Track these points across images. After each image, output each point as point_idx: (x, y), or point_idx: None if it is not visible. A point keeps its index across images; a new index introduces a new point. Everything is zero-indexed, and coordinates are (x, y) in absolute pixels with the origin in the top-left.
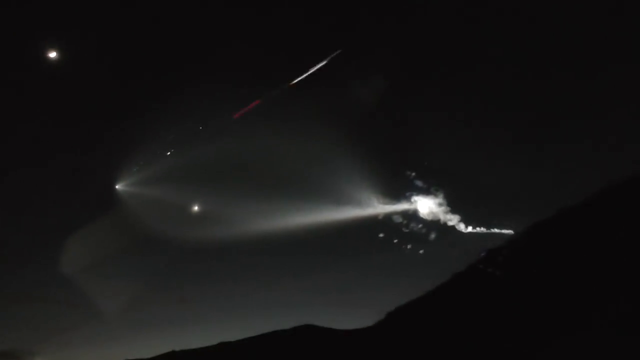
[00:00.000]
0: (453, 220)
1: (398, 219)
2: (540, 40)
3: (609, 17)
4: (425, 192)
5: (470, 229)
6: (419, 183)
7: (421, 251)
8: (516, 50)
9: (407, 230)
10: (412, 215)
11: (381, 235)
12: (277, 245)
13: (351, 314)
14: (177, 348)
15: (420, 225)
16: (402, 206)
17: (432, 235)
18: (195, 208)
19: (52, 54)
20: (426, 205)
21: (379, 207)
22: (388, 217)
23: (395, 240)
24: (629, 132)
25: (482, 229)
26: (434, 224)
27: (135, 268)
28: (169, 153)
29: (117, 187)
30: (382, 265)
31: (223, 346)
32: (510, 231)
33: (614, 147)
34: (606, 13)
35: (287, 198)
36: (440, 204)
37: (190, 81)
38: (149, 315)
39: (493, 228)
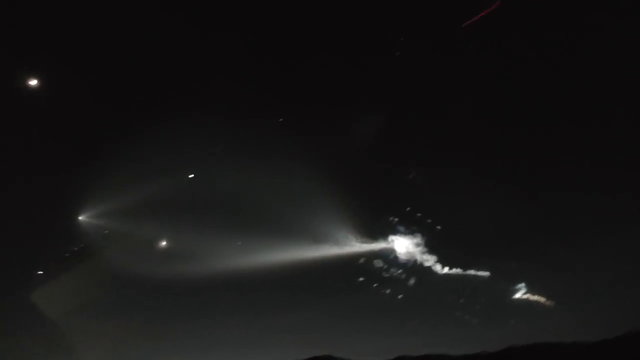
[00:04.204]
0: (430, 260)
1: (378, 264)
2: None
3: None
4: (403, 232)
5: (446, 269)
6: (397, 222)
7: (400, 296)
8: (496, 96)
9: (387, 275)
10: (391, 257)
11: (361, 279)
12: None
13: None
14: None
15: (400, 271)
16: (380, 245)
17: (412, 281)
18: (167, 243)
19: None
20: (403, 245)
21: (356, 246)
22: (368, 260)
23: (375, 285)
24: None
25: (459, 270)
26: (413, 268)
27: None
28: (140, 184)
29: (80, 218)
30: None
31: None
32: (487, 273)
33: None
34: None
35: (266, 235)
36: (417, 244)
37: (165, 111)
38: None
39: (469, 270)
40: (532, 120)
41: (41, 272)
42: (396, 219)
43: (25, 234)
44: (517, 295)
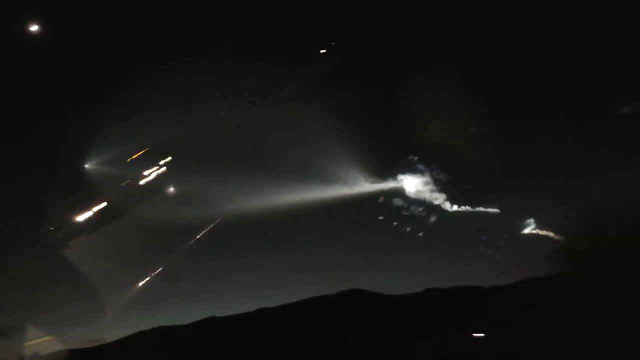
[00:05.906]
0: (439, 199)
1: (398, 202)
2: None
3: None
4: (412, 171)
5: (456, 207)
6: (406, 162)
7: (421, 234)
8: (507, 35)
9: (407, 214)
10: (405, 196)
11: (381, 218)
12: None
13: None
14: (217, 314)
15: (421, 209)
16: (390, 185)
17: (433, 219)
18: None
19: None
20: (412, 185)
21: (367, 186)
22: (386, 199)
23: (395, 224)
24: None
25: (468, 208)
26: (428, 206)
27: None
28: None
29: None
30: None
31: (262, 312)
32: (496, 210)
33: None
34: None
35: (282, 177)
36: (427, 183)
37: (175, 60)
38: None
39: (478, 207)
40: (541, 58)
41: (60, 218)
42: (405, 158)
43: (43, 181)
44: (527, 231)
